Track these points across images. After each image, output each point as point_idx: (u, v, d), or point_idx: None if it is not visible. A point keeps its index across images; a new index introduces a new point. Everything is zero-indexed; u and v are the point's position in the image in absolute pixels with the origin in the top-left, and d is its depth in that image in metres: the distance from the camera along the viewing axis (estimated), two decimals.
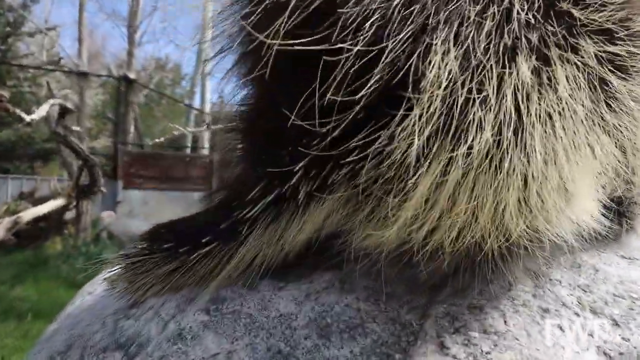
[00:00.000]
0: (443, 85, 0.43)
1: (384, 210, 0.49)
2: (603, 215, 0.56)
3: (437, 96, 0.43)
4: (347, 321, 0.54)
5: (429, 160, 0.45)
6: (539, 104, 0.45)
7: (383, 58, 0.44)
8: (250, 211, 0.54)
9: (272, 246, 0.56)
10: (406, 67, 0.44)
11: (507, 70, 0.44)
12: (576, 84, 0.47)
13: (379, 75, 0.44)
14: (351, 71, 0.44)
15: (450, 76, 0.43)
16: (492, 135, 0.44)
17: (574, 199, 0.50)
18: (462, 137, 0.44)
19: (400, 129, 0.44)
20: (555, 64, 0.46)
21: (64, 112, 6.14)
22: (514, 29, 0.45)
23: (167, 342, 0.56)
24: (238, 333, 0.54)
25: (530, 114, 0.45)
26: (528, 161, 0.46)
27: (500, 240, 0.50)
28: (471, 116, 0.44)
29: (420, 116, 0.44)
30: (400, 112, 0.44)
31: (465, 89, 0.43)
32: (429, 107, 0.43)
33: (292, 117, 0.46)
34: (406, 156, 0.45)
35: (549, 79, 0.46)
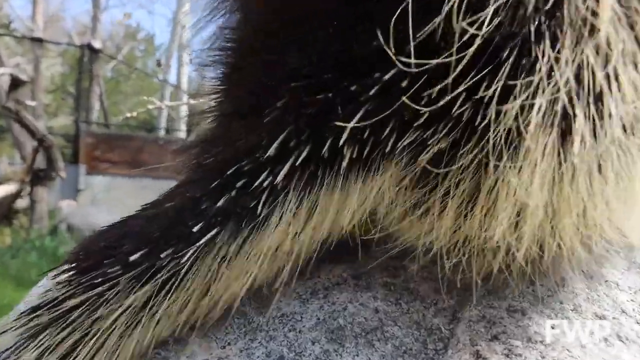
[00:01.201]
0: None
1: (467, 203, 0.43)
2: None
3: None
4: (363, 323, 0.51)
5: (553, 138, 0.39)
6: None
7: None
8: (268, 177, 0.43)
9: (303, 231, 0.45)
10: None
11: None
12: None
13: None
14: None
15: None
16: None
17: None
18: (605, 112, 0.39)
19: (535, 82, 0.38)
20: None
21: (15, 83, 6.04)
22: None
23: None
24: (230, 335, 0.51)
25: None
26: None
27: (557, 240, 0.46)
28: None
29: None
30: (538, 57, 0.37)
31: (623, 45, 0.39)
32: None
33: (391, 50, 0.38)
34: (529, 126, 0.38)
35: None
